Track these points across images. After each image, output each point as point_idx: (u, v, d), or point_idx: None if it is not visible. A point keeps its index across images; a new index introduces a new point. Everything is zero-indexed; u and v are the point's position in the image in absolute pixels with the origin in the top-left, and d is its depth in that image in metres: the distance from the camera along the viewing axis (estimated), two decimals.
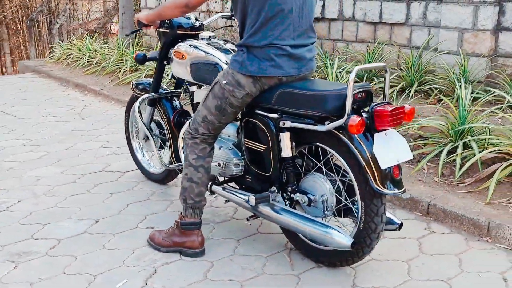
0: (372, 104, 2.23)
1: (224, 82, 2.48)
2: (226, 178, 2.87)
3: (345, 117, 2.18)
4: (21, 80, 8.11)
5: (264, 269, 2.57)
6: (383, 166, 2.18)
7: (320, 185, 2.45)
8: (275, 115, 2.47)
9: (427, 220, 3.11)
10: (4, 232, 2.96)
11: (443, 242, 2.84)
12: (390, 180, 2.23)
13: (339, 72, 5.08)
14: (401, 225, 2.46)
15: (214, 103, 2.53)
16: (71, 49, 8.56)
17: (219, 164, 2.77)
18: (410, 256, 2.68)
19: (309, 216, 2.43)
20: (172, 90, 3.36)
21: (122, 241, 2.85)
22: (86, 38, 8.71)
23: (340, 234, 2.29)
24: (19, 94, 6.92)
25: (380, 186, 2.21)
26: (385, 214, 2.33)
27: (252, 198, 2.53)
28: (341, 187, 2.42)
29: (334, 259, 2.48)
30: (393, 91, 4.70)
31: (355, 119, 2.13)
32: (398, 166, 2.26)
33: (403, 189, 2.28)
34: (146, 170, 3.69)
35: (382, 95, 2.38)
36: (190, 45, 2.99)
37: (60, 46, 9.06)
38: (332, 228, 2.32)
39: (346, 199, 2.42)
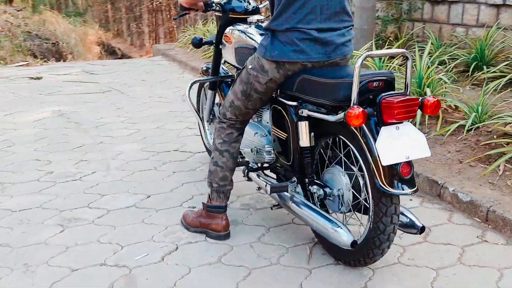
0: (382, 94, 2.05)
1: (250, 67, 2.46)
2: (260, 165, 2.85)
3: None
4: (149, 62, 8.77)
5: (280, 260, 2.51)
6: (385, 162, 2.00)
7: (338, 179, 2.33)
8: (295, 103, 2.39)
9: (484, 227, 2.78)
10: (68, 199, 3.27)
11: (490, 254, 2.52)
12: (398, 179, 2.04)
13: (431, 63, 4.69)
14: (422, 228, 2.24)
15: (241, 88, 2.52)
16: (196, 33, 9.01)
17: (251, 150, 2.76)
18: (443, 265, 2.43)
19: (318, 209, 2.33)
20: (229, 74, 3.40)
21: (161, 217, 2.99)
22: (212, 23, 9.10)
23: (343, 231, 2.17)
24: (141, 75, 7.50)
25: (386, 184, 2.03)
26: (397, 215, 2.14)
27: (268, 187, 2.49)
28: (361, 182, 2.27)
29: (348, 257, 2.35)
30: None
31: (352, 111, 1.98)
32: (408, 164, 2.06)
33: (415, 188, 2.07)
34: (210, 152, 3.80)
35: (404, 85, 2.16)
36: (236, 29, 2.99)
37: (188, 30, 9.58)
38: (337, 225, 2.20)
39: (362, 196, 2.27)
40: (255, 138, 2.76)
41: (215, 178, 2.67)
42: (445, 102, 3.98)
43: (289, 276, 2.38)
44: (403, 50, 2.12)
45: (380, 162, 2.01)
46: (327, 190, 2.35)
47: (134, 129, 4.76)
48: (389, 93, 2.07)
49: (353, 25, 2.40)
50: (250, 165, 2.87)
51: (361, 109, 1.99)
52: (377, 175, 2.04)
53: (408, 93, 2.11)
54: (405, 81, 2.14)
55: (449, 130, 3.65)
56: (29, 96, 6.24)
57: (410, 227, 2.25)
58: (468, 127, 3.62)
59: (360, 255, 2.25)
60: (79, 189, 3.42)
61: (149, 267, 2.48)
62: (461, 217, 2.90)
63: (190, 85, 3.37)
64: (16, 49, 11.22)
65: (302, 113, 2.35)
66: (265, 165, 2.80)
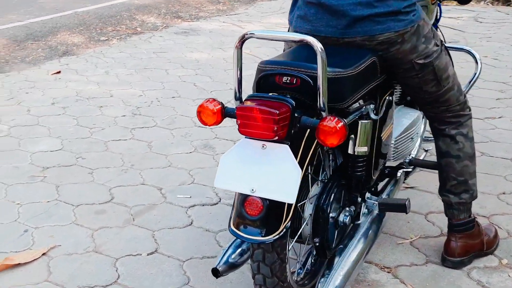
0: (252, 94, 1.47)
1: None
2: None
3: None
4: None
5: None
6: (216, 183, 1.42)
7: None
8: None
9: None
10: None
11: None
12: (242, 217, 1.41)
13: None
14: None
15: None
16: None
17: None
18: None
19: None
20: None
21: None
22: None
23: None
24: None
25: (233, 223, 1.44)
26: (265, 264, 1.49)
27: None
28: None
29: None
30: None
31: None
32: (258, 201, 1.38)
33: (272, 236, 1.38)
34: None
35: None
36: None
37: None
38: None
39: None
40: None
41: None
42: None
43: None
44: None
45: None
46: None
47: None
48: (261, 95, 1.43)
49: None
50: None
51: (219, 106, 1.43)
52: (233, 209, 1.45)
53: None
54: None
55: None
56: None
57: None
58: None
59: None
60: None
61: None
62: None
63: None
64: None
65: None
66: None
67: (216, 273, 1.59)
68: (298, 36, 1.33)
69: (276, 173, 1.35)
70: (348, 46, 1.68)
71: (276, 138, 1.34)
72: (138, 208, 2.46)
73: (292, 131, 1.38)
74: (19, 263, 2.04)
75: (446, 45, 2.38)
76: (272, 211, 1.38)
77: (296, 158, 1.38)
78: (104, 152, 3.06)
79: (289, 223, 1.40)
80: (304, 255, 1.79)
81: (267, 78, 1.49)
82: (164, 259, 2.09)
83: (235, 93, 1.46)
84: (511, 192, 2.56)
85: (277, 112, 1.29)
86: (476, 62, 2.37)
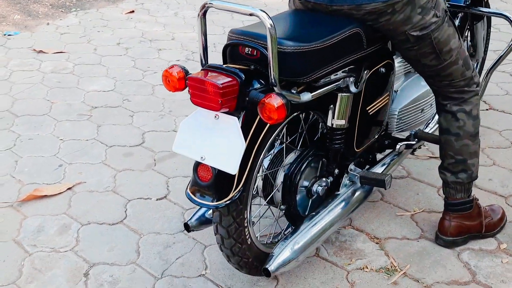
0: (209, 64, 1.47)
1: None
2: None
3: None
4: None
5: None
6: (174, 147, 1.48)
7: None
8: None
9: None
10: None
11: None
12: (195, 183, 1.48)
13: None
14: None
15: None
16: None
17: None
18: None
19: None
20: None
21: None
22: None
23: None
24: None
25: (189, 188, 1.50)
26: (223, 226, 1.55)
27: None
28: None
29: None
30: None
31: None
32: (209, 168, 1.44)
33: (221, 202, 1.44)
34: None
35: None
36: None
37: None
38: None
39: None
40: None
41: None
42: None
43: None
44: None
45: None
46: None
47: None
48: (214, 65, 1.44)
49: None
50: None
51: (182, 73, 1.45)
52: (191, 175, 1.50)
53: (271, 75, 1.39)
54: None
55: None
56: None
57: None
58: None
59: None
60: None
61: None
62: None
63: None
64: None
65: None
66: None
67: (187, 227, 1.71)
68: (248, 10, 1.33)
69: (223, 143, 1.40)
70: (337, 14, 1.64)
71: (227, 110, 1.39)
72: (162, 154, 2.62)
73: (246, 104, 1.41)
74: (45, 195, 2.30)
75: (481, 9, 2.23)
76: (222, 178, 1.43)
77: (250, 130, 1.42)
78: (149, 96, 3.23)
79: (241, 190, 1.45)
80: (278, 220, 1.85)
81: (232, 48, 1.52)
82: (169, 206, 2.24)
83: (201, 60, 1.50)
84: None
85: (221, 85, 1.33)
86: None
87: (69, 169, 2.51)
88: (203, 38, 1.48)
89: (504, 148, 2.58)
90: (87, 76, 3.52)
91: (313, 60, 1.47)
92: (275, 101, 1.32)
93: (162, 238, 2.04)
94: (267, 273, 1.58)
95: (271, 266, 1.57)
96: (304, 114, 1.72)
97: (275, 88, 1.39)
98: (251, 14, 1.33)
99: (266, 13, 1.32)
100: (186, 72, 1.47)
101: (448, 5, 2.30)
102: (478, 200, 1.98)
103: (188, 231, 1.72)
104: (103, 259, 1.94)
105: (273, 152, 1.73)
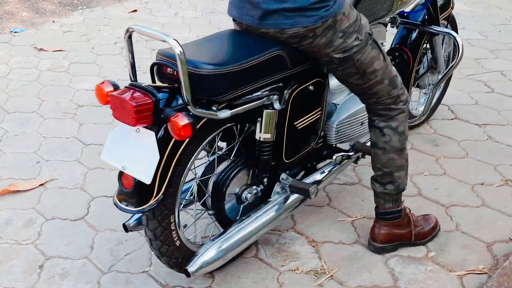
0: (131, 83, 1.59)
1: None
2: None
3: None
4: None
5: None
6: (103, 156, 1.63)
7: None
8: None
9: None
10: None
11: None
12: (119, 190, 1.64)
13: None
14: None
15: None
16: None
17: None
18: None
19: None
20: None
21: None
22: None
23: None
24: None
25: (116, 195, 1.66)
26: (150, 230, 1.71)
27: None
28: None
29: None
30: None
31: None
32: (130, 177, 1.58)
33: (141, 208, 1.59)
34: None
35: None
36: None
37: None
38: None
39: None
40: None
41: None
42: None
43: None
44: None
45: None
46: None
47: None
48: (136, 84, 1.55)
49: None
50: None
51: (109, 85, 1.57)
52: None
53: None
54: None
55: None
56: None
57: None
58: None
59: None
60: None
61: None
62: None
63: None
64: None
65: None
66: None
67: (125, 228, 1.87)
68: (162, 37, 1.47)
69: (141, 155, 1.55)
70: (265, 36, 1.76)
71: (146, 125, 1.54)
72: None
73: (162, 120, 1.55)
74: (19, 190, 2.49)
75: (433, 27, 2.33)
76: (143, 186, 1.57)
77: (168, 144, 1.57)
78: None
79: (161, 198, 1.60)
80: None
81: (159, 67, 1.66)
82: None
83: (130, 77, 1.65)
84: (492, 184, 2.47)
85: (135, 103, 1.48)
86: (458, 48, 2.28)
87: (46, 165, 2.69)
88: (130, 57, 1.63)
89: (459, 158, 2.66)
90: (80, 75, 3.71)
91: (230, 81, 1.61)
92: (182, 120, 1.46)
93: (116, 235, 2.21)
94: (187, 274, 1.73)
95: (191, 267, 1.73)
96: (239, 125, 1.86)
97: (189, 107, 1.53)
98: (163, 41, 1.47)
99: (177, 41, 1.46)
100: (116, 87, 1.62)
101: (402, 21, 2.40)
102: (410, 210, 2.09)
103: (126, 231, 1.88)
104: (59, 252, 2.12)
105: (208, 161, 1.88)
